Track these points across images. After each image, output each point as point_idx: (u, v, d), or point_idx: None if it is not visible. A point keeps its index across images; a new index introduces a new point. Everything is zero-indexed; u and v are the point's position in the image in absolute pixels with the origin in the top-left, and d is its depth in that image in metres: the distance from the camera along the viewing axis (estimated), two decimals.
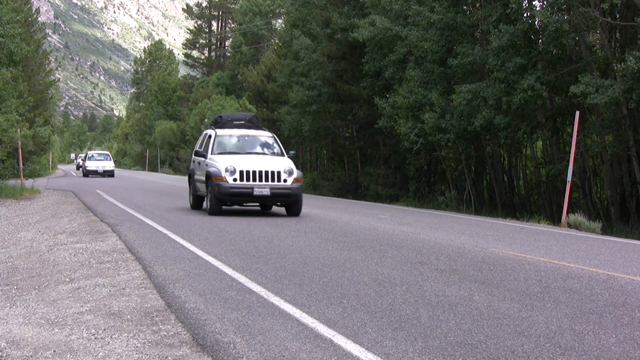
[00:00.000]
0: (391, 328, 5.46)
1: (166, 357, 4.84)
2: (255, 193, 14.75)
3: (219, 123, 17.53)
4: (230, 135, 16.77)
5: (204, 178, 15.72)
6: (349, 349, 4.88)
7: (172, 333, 5.43)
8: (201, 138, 17.80)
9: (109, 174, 46.05)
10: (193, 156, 17.52)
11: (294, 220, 14.65)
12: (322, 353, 4.79)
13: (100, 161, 47.32)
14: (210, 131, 17.23)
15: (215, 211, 15.07)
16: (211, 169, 15.17)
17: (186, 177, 56.27)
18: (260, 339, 5.12)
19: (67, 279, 7.88)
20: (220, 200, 14.94)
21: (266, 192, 14.77)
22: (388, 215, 17.67)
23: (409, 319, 5.77)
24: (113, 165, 47.92)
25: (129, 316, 5.98)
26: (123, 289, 7.13)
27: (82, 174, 49.75)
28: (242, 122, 17.53)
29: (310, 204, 21.11)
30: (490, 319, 5.78)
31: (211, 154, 15.96)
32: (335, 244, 10.56)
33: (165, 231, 11.96)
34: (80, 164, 69.04)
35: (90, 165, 46.80)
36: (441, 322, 5.65)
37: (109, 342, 5.22)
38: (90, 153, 50.39)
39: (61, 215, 15.73)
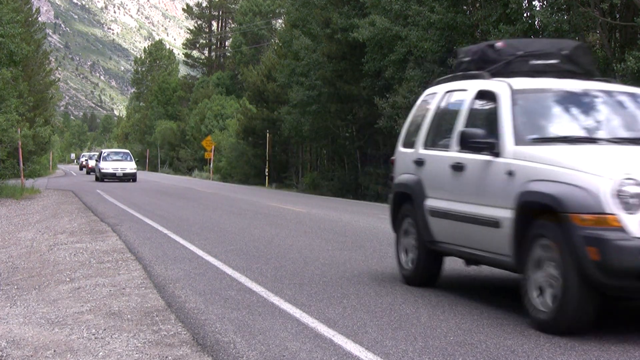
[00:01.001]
0: (391, 328, 5.46)
1: (166, 357, 4.84)
2: None
3: (490, 62, 7.09)
4: (551, 91, 6.63)
5: (484, 212, 6.18)
6: (349, 348, 4.88)
7: (172, 333, 5.43)
8: (435, 101, 7.55)
9: (130, 177, 36.63)
10: (420, 150, 7.47)
11: (294, 220, 14.64)
12: (322, 353, 4.79)
13: (118, 162, 37.66)
14: (484, 83, 6.82)
15: (576, 323, 5.30)
16: (555, 190, 5.36)
17: (186, 178, 54.64)
18: (260, 339, 5.12)
19: (68, 279, 7.89)
20: (601, 287, 5.20)
21: None
22: (388, 215, 17.65)
23: (409, 318, 5.77)
24: (135, 166, 38.11)
25: (129, 316, 5.99)
26: (123, 288, 7.14)
27: (94, 178, 40.24)
28: (554, 60, 7.11)
29: (310, 203, 21.12)
30: (490, 319, 5.78)
31: (516, 143, 6.03)
32: (335, 244, 10.57)
33: (165, 231, 11.98)
34: (84, 163, 64.42)
35: (106, 166, 37.06)
36: (441, 322, 5.65)
37: (109, 341, 5.23)
38: (105, 152, 40.79)
39: (61, 215, 15.75)
